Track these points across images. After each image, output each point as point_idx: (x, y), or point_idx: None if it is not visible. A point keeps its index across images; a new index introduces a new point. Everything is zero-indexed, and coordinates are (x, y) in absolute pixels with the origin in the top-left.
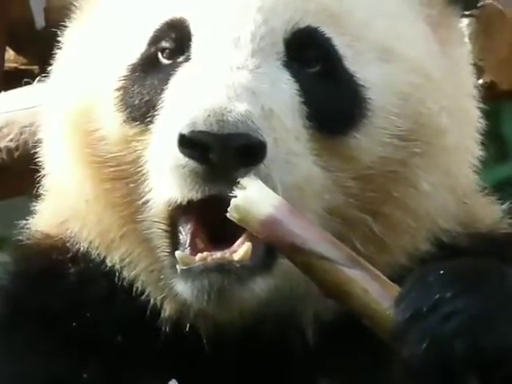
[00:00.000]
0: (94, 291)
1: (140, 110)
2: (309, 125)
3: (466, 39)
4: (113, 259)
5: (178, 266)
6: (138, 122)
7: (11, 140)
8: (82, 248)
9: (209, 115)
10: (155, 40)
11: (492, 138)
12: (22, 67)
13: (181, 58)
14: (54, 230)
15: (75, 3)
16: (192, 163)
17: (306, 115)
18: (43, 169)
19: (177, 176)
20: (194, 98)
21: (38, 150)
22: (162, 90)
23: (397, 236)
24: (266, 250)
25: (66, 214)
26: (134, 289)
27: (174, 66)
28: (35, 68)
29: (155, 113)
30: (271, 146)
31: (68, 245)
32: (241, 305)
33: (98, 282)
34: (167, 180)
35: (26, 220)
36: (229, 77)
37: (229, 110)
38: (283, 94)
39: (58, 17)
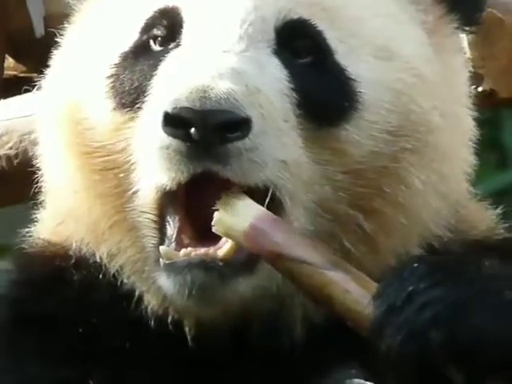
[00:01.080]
0: (97, 297)
1: (130, 96)
2: (298, 113)
3: (466, 47)
4: (101, 253)
5: (161, 260)
6: (127, 109)
7: (11, 148)
8: (82, 254)
9: (191, 92)
10: (147, 28)
11: (492, 146)
12: (22, 75)
13: (172, 45)
14: (56, 237)
15: (74, 8)
16: (176, 143)
17: (296, 102)
18: (40, 170)
19: (162, 158)
20: (179, 79)
21: (36, 155)
22: (152, 75)
23: (388, 235)
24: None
25: (63, 215)
26: (119, 280)
27: (165, 52)
28: (34, 76)
29: (144, 99)
30: (257, 120)
31: (70, 252)
32: (223, 302)
33: (100, 287)
34: (154, 164)
35: (27, 228)
36: (214, 59)
37: (211, 88)
38: (271, 76)
39: (57, 25)
